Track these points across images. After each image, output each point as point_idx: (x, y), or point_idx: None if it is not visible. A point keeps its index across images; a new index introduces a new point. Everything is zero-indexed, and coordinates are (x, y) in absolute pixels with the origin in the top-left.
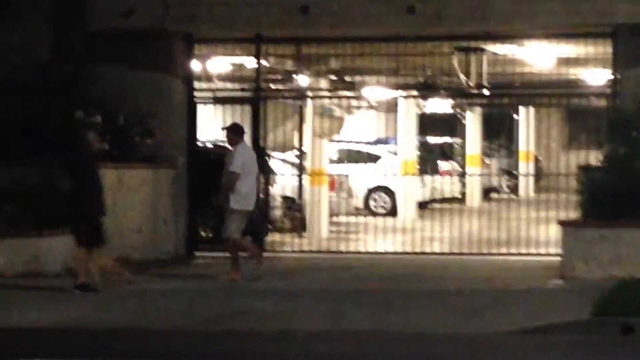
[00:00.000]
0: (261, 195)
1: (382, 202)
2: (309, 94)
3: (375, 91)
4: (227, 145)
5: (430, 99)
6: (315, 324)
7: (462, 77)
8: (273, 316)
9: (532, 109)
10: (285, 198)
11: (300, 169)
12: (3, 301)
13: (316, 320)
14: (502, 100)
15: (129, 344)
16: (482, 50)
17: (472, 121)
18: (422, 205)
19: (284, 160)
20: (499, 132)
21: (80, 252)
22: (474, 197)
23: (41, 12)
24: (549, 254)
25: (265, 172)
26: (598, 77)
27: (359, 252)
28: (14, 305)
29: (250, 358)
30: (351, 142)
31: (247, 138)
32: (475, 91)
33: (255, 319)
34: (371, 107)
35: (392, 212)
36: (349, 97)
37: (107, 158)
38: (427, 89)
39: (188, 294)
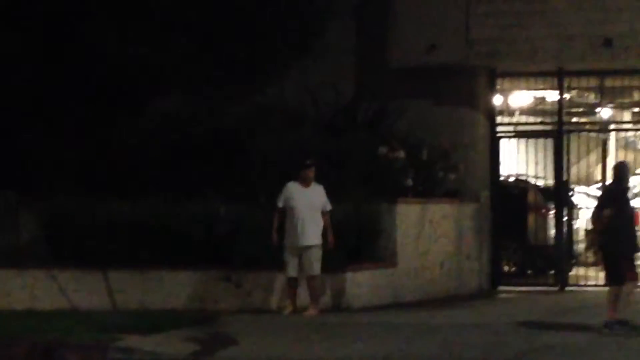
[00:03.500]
0: (564, 229)
1: None
2: (612, 126)
3: None
4: (530, 180)
5: None
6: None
7: None
8: (580, 351)
9: None
10: (589, 232)
11: None
12: (327, 335)
13: (625, 356)
14: None
15: None
16: None
17: None
18: None
19: (587, 194)
20: None
21: (612, 289)
22: None
23: (344, 51)
24: None
25: (568, 205)
26: None
27: None
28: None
29: None
30: None
31: (550, 171)
32: None
33: (559, 355)
34: None
35: None
36: None
37: (411, 193)
38: None
39: (494, 327)
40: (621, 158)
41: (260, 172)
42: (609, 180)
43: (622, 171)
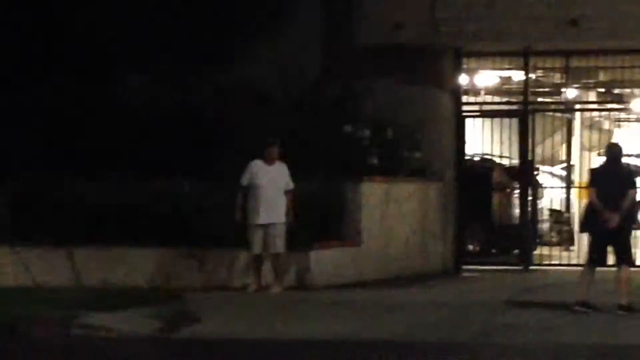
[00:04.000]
0: (528, 209)
1: None
2: (577, 107)
3: None
4: (495, 159)
5: None
6: (584, 337)
7: None
8: (542, 330)
9: None
10: (553, 211)
11: (568, 182)
12: (285, 313)
13: (585, 334)
14: None
15: (400, 356)
16: None
17: None
18: None
19: (551, 174)
20: None
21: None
22: None
23: (311, 29)
24: None
25: (533, 185)
26: None
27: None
28: (293, 317)
29: None
30: None
31: (515, 151)
32: None
33: (523, 333)
34: None
35: None
36: (617, 110)
37: (376, 172)
38: None
39: (455, 307)
40: (586, 138)
41: (226, 150)
42: (572, 160)
43: (618, 151)
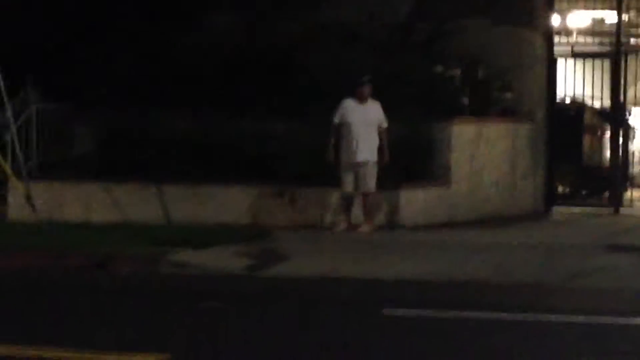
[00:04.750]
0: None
1: None
2: None
3: None
4: (586, 101)
5: None
6: None
7: None
8: (632, 273)
9: None
10: None
11: None
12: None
13: None
14: None
15: (488, 297)
16: None
17: None
18: None
19: None
20: None
21: None
22: None
23: None
24: None
25: (624, 127)
26: None
27: None
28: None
29: (610, 314)
30: None
31: (606, 93)
32: None
33: (613, 276)
34: None
35: None
36: None
37: (466, 112)
38: None
39: (544, 248)
40: None
41: (315, 89)
42: None
43: None
